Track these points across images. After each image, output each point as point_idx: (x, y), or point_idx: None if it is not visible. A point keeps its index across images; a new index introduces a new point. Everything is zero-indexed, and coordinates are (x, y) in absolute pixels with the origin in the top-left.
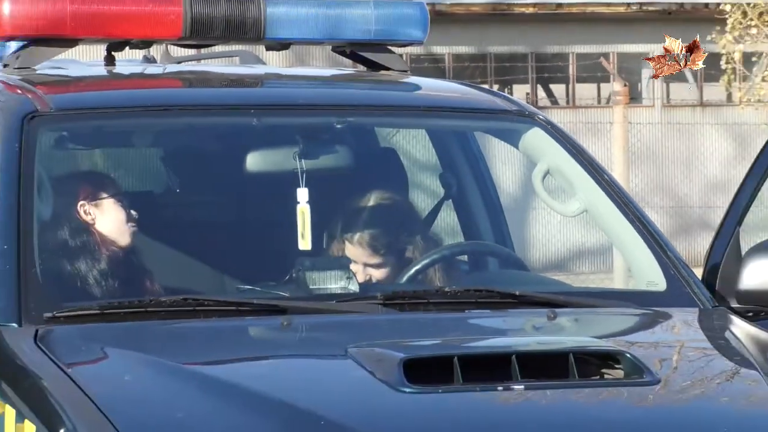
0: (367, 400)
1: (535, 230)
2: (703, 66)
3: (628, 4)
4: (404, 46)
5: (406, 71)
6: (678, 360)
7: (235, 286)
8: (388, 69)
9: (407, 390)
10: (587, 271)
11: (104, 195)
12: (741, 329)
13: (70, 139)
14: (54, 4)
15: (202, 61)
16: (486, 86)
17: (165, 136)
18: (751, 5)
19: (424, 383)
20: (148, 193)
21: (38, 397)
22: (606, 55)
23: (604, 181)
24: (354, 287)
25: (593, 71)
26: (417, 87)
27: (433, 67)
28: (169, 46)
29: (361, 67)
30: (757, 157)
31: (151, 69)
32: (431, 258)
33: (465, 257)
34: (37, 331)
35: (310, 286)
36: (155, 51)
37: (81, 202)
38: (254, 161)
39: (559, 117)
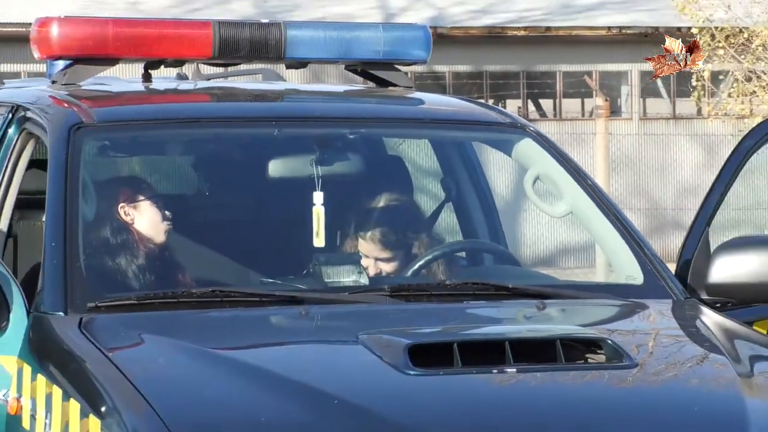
0: (376, 381)
1: (526, 230)
2: (677, 82)
3: (609, 28)
4: (409, 65)
5: (411, 87)
6: (654, 346)
7: (258, 279)
8: (395, 85)
9: (412, 373)
10: (572, 266)
11: (141, 198)
12: (710, 318)
13: (111, 148)
14: (97, 27)
15: (229, 78)
16: (482, 101)
17: (196, 145)
18: (718, 29)
19: (427, 366)
20: (181, 196)
21: (82, 378)
22: (589, 73)
23: (588, 185)
24: (364, 280)
25: (578, 87)
26: (421, 101)
27: (435, 83)
28: (199, 65)
29: (371, 84)
30: (724, 165)
31: (184, 85)
32: (434, 254)
33: (463, 254)
34: (81, 319)
35: (325, 280)
36: (187, 69)
37: (121, 204)
38: (275, 167)
39: (547, 128)
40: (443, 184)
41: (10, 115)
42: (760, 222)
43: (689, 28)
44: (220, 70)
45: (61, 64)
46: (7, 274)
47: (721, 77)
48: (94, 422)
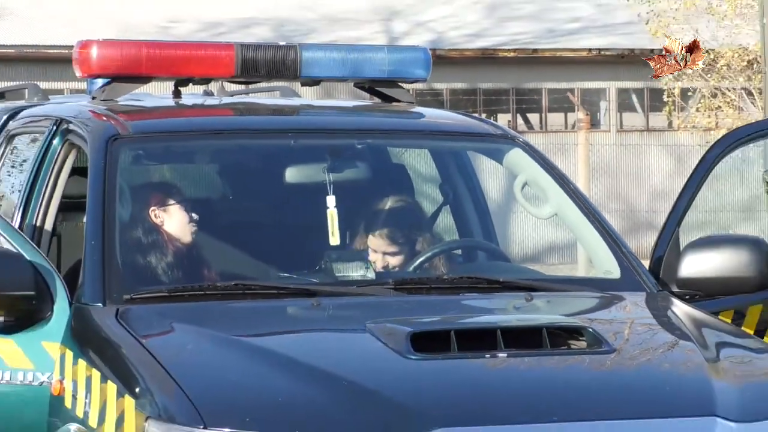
0: (381, 365)
1: (515, 230)
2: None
3: (589, 50)
4: (411, 82)
5: (412, 103)
6: (630, 333)
7: (276, 274)
8: (398, 101)
9: (413, 357)
10: (556, 263)
11: (171, 202)
12: (680, 309)
13: (145, 157)
14: (132, 49)
15: (250, 95)
16: (476, 115)
17: (220, 154)
18: None
19: (427, 352)
20: (207, 200)
21: (118, 362)
22: (572, 90)
23: (571, 190)
24: (371, 275)
25: (561, 103)
26: (421, 115)
27: (434, 99)
28: (224, 83)
29: (377, 99)
30: (693, 172)
31: (210, 101)
32: (433, 251)
33: (460, 251)
34: (117, 309)
35: (336, 274)
36: (213, 86)
37: (152, 208)
38: (291, 174)
39: (534, 140)
40: (441, 189)
41: (55, 128)
42: (725, 223)
43: (662, 50)
44: (242, 87)
45: (100, 82)
46: (52, 269)
47: (689, 94)
48: (129, 402)
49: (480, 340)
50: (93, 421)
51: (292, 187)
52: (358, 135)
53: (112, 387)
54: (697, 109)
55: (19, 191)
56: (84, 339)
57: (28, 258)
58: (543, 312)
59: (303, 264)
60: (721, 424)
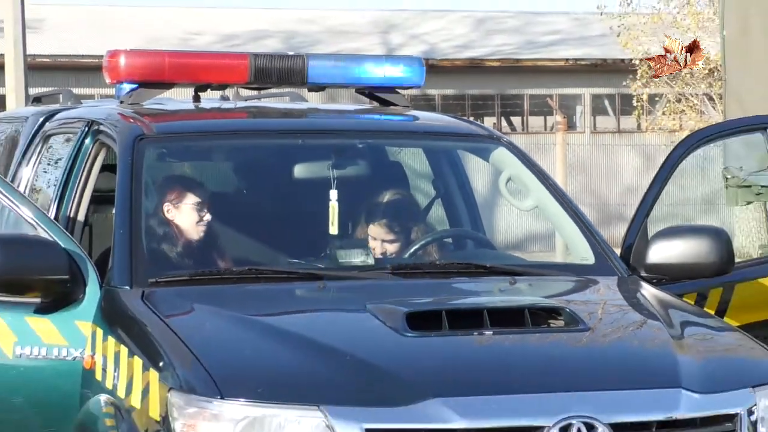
0: (380, 341)
1: (500, 220)
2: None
3: (566, 60)
4: (407, 88)
5: (408, 107)
6: (603, 313)
7: (285, 260)
8: (395, 105)
9: (409, 334)
10: (537, 250)
11: (188, 199)
12: (648, 292)
13: (167, 155)
14: (156, 58)
15: (262, 99)
16: (465, 118)
17: (235, 152)
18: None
19: (421, 330)
20: (224, 193)
21: (144, 339)
22: (550, 96)
23: (550, 185)
24: (371, 261)
25: (541, 107)
26: (416, 118)
27: (427, 104)
28: (238, 89)
29: (376, 104)
30: (659, 169)
31: (226, 105)
32: (426, 240)
33: (450, 239)
34: (143, 292)
35: (339, 260)
36: (229, 92)
37: (171, 202)
38: (299, 170)
39: (516, 140)
40: (434, 184)
41: (86, 128)
42: (688, 215)
43: (631, 60)
44: (255, 93)
45: (127, 87)
46: (84, 255)
47: (656, 99)
48: (153, 374)
49: (469, 319)
50: (121, 392)
51: (299, 182)
52: (359, 136)
53: (138, 361)
54: (663, 113)
55: (55, 186)
56: (113, 318)
57: (62, 246)
58: (525, 294)
59: (309, 251)
60: (686, 395)
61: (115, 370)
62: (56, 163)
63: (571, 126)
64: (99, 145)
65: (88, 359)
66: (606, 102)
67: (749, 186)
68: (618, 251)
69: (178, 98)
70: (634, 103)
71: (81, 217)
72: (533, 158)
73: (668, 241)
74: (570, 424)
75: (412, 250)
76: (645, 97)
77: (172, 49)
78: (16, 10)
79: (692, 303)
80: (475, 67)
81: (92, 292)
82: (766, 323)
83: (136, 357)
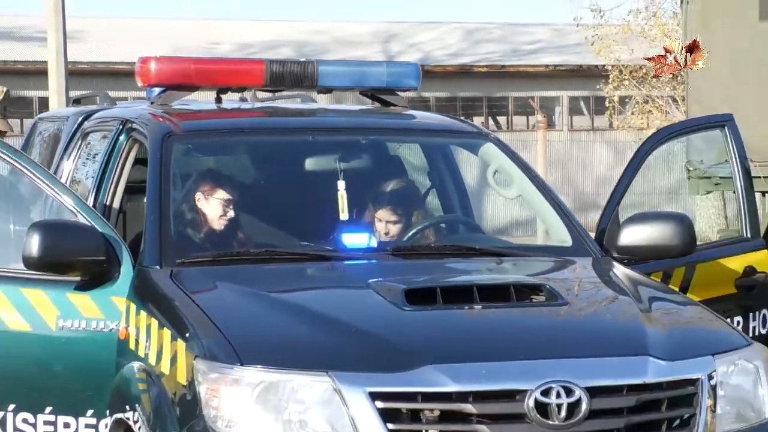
0: (381, 314)
1: (487, 208)
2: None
3: (547, 65)
4: (405, 91)
5: (406, 107)
6: (579, 290)
7: (298, 243)
8: (395, 105)
9: (407, 309)
10: (520, 235)
11: (211, 193)
12: (620, 270)
13: (193, 150)
14: (183, 63)
15: (277, 101)
16: (456, 117)
17: (253, 147)
18: (625, 66)
19: (418, 304)
20: (243, 184)
21: (172, 313)
22: (532, 98)
23: (532, 176)
24: (373, 243)
25: (524, 108)
26: (413, 117)
27: (422, 105)
28: (256, 91)
29: (378, 104)
30: (629, 163)
31: (245, 105)
32: (423, 225)
33: (444, 225)
34: (172, 271)
35: (346, 243)
36: (247, 94)
37: (198, 192)
38: (310, 163)
39: (502, 137)
40: (429, 175)
41: (121, 127)
42: (655, 203)
43: (604, 66)
44: (270, 95)
45: (157, 90)
46: (119, 239)
47: (626, 100)
48: (180, 344)
49: (460, 295)
50: (152, 360)
51: (310, 173)
52: (362, 132)
53: (167, 333)
54: (633, 113)
55: (93, 177)
56: (144, 295)
57: (100, 230)
58: (510, 273)
59: (319, 235)
60: (653, 362)
61: (146, 341)
62: (94, 157)
63: (550, 125)
64: (132, 141)
65: (123, 331)
66: (582, 103)
67: (709, 177)
68: (593, 235)
69: (202, 100)
70: (607, 104)
71: (116, 205)
72: (517, 153)
73: (637, 225)
74: (550, 388)
75: (410, 234)
76: (616, 98)
77: (197, 56)
78: (58, 22)
79: (659, 281)
80: (465, 73)
81: (126, 271)
82: (723, 298)
83: (165, 329)
